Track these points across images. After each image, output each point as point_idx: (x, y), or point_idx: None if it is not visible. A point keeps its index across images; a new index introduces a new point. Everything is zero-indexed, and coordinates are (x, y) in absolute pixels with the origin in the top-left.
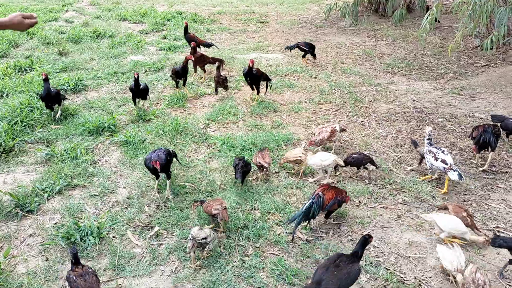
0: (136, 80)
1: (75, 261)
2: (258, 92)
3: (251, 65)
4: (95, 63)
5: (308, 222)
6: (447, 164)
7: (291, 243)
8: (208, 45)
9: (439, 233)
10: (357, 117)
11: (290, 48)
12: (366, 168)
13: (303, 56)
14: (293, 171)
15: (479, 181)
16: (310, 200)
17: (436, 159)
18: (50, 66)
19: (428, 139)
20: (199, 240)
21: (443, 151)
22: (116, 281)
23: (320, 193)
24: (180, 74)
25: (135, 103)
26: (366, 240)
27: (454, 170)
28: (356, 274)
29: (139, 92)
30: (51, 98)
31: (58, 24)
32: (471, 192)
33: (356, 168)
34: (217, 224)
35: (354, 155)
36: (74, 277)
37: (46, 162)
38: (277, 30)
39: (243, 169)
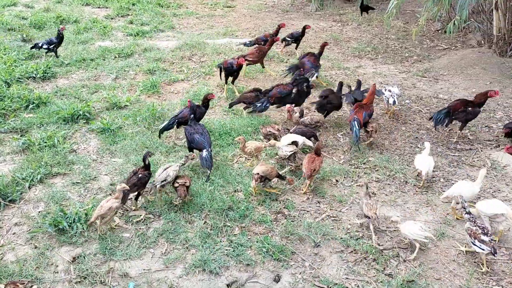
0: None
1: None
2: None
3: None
4: (61, 50)
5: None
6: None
7: (275, 222)
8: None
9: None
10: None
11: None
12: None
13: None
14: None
15: (445, 158)
16: (353, 123)
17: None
18: (16, 53)
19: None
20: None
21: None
22: (107, 264)
23: (355, 116)
24: (233, 71)
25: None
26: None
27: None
28: None
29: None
30: None
31: (17, 9)
32: (438, 168)
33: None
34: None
35: (298, 128)
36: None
37: (23, 151)
38: (244, 14)
39: None
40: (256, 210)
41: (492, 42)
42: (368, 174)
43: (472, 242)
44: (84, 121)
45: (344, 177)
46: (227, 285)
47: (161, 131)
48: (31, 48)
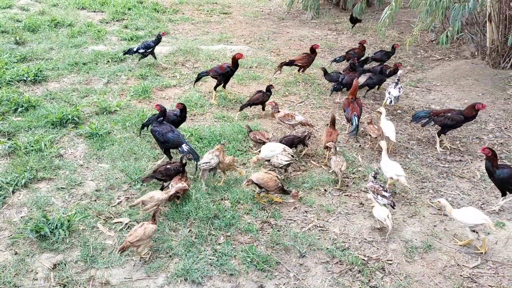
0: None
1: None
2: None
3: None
4: (54, 53)
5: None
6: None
7: (261, 231)
8: None
9: None
10: (321, 109)
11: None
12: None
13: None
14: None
15: (435, 169)
16: (354, 118)
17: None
18: (7, 56)
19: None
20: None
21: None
22: (88, 272)
23: (354, 113)
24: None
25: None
26: None
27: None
28: None
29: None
30: None
31: (13, 11)
32: (428, 179)
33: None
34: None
35: (286, 138)
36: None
37: (9, 155)
38: (240, 21)
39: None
40: (242, 219)
41: (485, 54)
42: (357, 184)
43: (375, 197)
44: (73, 126)
45: (333, 187)
46: None
47: (141, 128)
48: (124, 53)
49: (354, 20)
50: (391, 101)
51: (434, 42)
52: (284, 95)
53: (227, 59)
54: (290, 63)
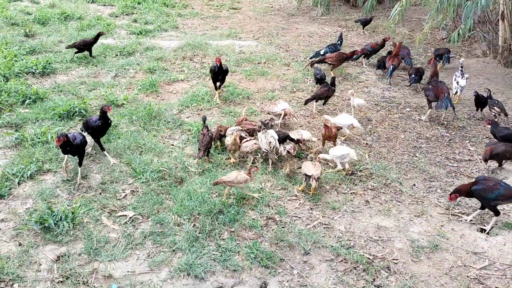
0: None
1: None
2: (220, 86)
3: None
4: (63, 46)
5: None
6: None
7: (265, 228)
8: None
9: None
10: (329, 106)
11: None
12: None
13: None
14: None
15: (444, 169)
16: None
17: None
18: (17, 48)
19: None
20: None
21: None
22: (91, 265)
23: (393, 63)
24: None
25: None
26: None
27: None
28: None
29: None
30: None
31: (23, 4)
32: (436, 178)
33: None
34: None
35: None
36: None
37: (15, 146)
38: (249, 17)
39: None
40: (247, 215)
41: (497, 53)
42: (363, 182)
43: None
44: (80, 118)
45: (339, 184)
46: None
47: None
48: (311, 58)
49: (364, 23)
50: (456, 92)
51: (445, 40)
52: (292, 91)
53: (235, 55)
54: (321, 60)
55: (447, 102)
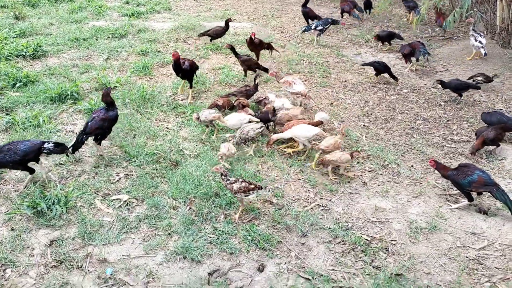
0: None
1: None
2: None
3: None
4: (54, 28)
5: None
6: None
7: (262, 210)
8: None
9: None
10: (326, 87)
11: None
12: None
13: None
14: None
15: (441, 150)
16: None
17: (476, 40)
18: (7, 31)
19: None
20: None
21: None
22: (85, 249)
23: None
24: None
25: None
26: None
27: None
28: None
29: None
30: None
31: None
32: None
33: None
34: None
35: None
36: None
37: (6, 130)
38: None
39: None
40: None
41: (494, 33)
42: (361, 164)
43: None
44: (72, 101)
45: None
46: (209, 274)
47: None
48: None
49: (366, 6)
50: (485, 53)
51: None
52: (287, 73)
53: (229, 36)
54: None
55: (424, 51)
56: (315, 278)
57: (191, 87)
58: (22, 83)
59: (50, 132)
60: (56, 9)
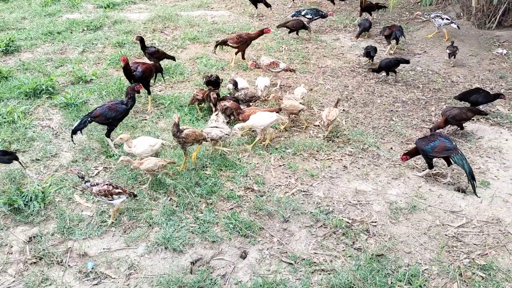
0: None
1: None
2: (149, 93)
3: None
4: (27, 22)
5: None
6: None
7: (244, 198)
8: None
9: None
10: (305, 73)
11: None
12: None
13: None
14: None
15: (420, 131)
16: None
17: (442, 19)
18: None
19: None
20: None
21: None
22: (65, 244)
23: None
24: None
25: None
26: None
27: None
28: None
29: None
30: None
31: None
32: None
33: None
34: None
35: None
36: None
37: None
38: None
39: None
40: (225, 186)
41: (470, 14)
42: (341, 148)
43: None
44: (47, 96)
45: (317, 151)
46: (191, 263)
47: (73, 132)
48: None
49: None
50: (458, 26)
51: (419, 3)
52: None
53: (207, 25)
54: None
55: (400, 32)
56: (298, 262)
57: (149, 93)
58: None
59: (25, 128)
60: (29, 2)
